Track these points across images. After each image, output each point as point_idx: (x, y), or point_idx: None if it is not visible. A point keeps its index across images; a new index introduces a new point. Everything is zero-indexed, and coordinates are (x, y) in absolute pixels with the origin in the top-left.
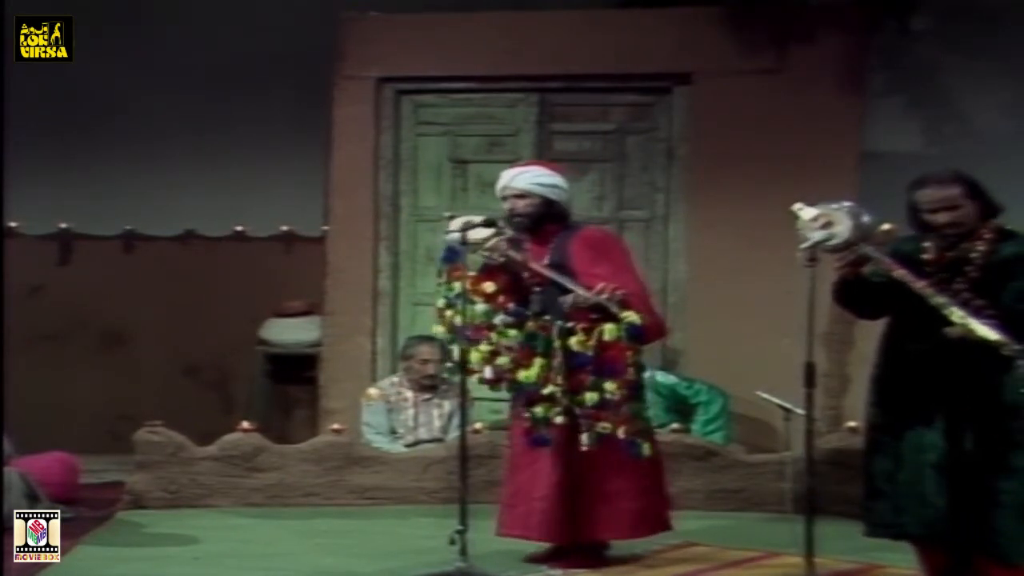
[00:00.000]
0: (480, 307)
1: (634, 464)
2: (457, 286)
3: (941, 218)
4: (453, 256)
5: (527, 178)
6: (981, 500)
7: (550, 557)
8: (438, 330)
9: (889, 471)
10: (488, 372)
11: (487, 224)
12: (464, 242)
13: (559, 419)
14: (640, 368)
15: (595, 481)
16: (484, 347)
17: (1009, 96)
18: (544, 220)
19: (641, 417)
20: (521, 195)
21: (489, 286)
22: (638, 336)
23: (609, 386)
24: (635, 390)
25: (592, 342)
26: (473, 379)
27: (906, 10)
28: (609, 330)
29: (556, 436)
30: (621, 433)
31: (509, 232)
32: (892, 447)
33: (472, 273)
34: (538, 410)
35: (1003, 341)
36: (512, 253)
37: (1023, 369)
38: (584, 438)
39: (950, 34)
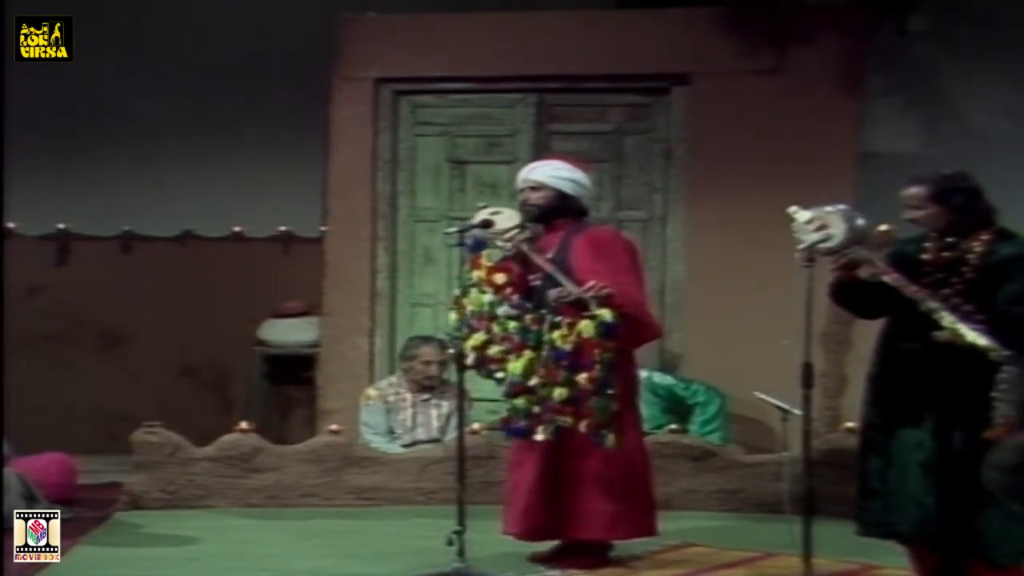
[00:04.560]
0: (487, 297)
1: (616, 465)
2: (475, 275)
3: (905, 215)
4: (477, 246)
5: (545, 171)
6: (968, 500)
7: (550, 558)
8: (452, 317)
9: (881, 470)
10: (471, 358)
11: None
12: (484, 233)
13: (536, 409)
14: (610, 367)
15: (576, 479)
16: (479, 336)
17: (1007, 97)
18: (557, 213)
19: (606, 412)
20: (536, 187)
21: (500, 277)
22: (611, 334)
23: (580, 380)
24: (602, 387)
25: (572, 337)
26: (470, 376)
27: (904, 11)
28: (585, 327)
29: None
30: (583, 427)
31: (531, 228)
32: (885, 446)
33: (489, 264)
34: (519, 402)
35: (990, 346)
36: (524, 246)
37: (1008, 374)
38: (540, 430)
39: (948, 35)
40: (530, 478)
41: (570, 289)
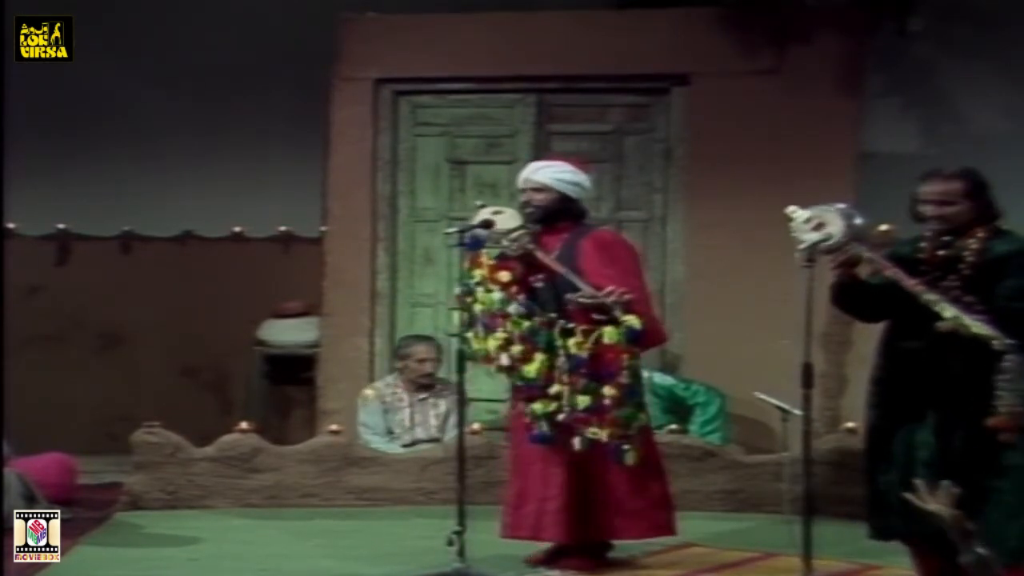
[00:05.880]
0: (496, 295)
1: (633, 465)
2: (477, 274)
3: (929, 210)
4: (476, 244)
5: (548, 172)
6: (970, 499)
7: (549, 558)
8: (456, 317)
9: (887, 473)
10: (505, 359)
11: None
12: (485, 232)
13: (560, 416)
14: (637, 373)
15: (599, 481)
16: (500, 334)
17: (1007, 97)
18: (559, 216)
19: (632, 423)
20: (539, 188)
21: (505, 275)
22: (636, 340)
23: (606, 390)
24: (629, 395)
25: (589, 344)
26: (476, 373)
27: (903, 11)
28: (609, 333)
29: (561, 435)
30: (605, 437)
31: (533, 227)
32: (889, 448)
33: (491, 262)
34: (537, 407)
35: (993, 335)
36: (531, 246)
37: (1013, 363)
38: (576, 442)
39: (947, 35)
40: (544, 483)
41: (592, 293)
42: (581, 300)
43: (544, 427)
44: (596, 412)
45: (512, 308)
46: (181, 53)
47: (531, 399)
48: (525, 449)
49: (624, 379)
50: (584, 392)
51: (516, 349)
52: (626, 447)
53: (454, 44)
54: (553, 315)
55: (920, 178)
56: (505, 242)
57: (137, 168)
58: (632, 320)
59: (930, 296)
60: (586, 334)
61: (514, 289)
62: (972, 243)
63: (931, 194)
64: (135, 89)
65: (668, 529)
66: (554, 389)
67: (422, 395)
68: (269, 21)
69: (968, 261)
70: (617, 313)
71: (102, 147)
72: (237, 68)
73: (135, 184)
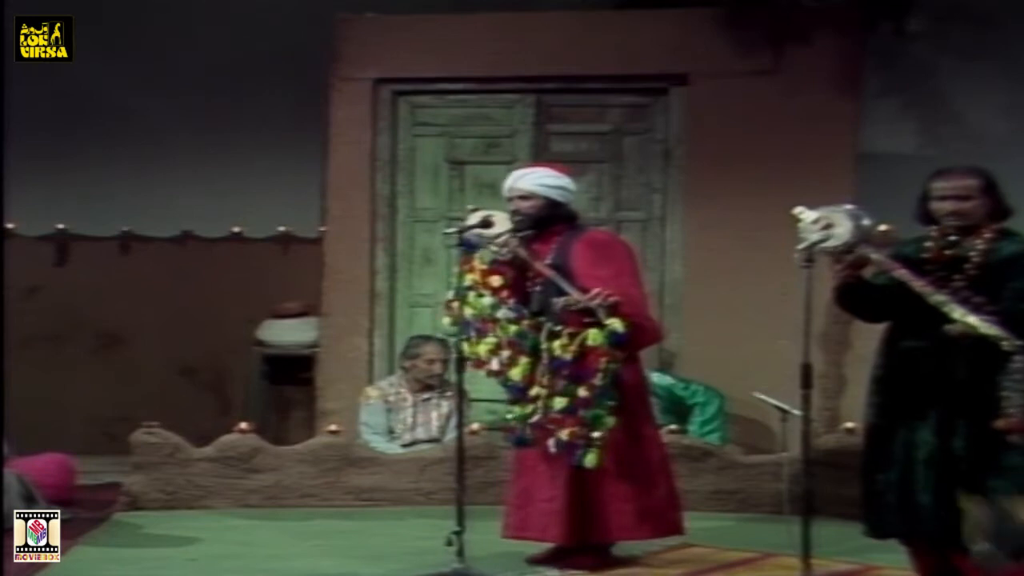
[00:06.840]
0: (487, 300)
1: (639, 465)
2: (468, 278)
3: (947, 206)
4: (469, 248)
5: (532, 179)
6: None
7: (550, 558)
8: (445, 321)
9: (885, 470)
10: (495, 364)
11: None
12: (478, 236)
13: (535, 418)
14: (614, 377)
15: (600, 482)
16: (491, 339)
17: (1005, 97)
18: (549, 221)
19: (598, 425)
20: (525, 196)
21: (496, 280)
22: (620, 344)
23: (580, 391)
24: (599, 397)
25: (573, 347)
26: (477, 374)
27: (902, 11)
28: (593, 336)
29: (540, 438)
30: (565, 436)
31: (523, 232)
32: (888, 446)
33: (483, 266)
34: (516, 410)
35: (1003, 336)
36: (520, 251)
37: (1019, 364)
38: (551, 443)
39: (946, 35)
40: (549, 483)
41: (577, 297)
42: (568, 304)
43: (526, 432)
44: (570, 414)
45: (501, 313)
46: (180, 53)
47: (513, 402)
48: (529, 451)
49: (597, 381)
50: (562, 394)
51: (504, 354)
52: (585, 449)
53: (453, 44)
54: (542, 318)
55: (932, 176)
56: (494, 247)
57: (137, 168)
58: (615, 323)
59: (939, 297)
60: (571, 337)
61: (505, 294)
62: (979, 243)
63: (949, 189)
64: (134, 89)
65: (676, 529)
66: (533, 392)
67: (425, 395)
68: (269, 21)
69: (975, 261)
70: (601, 316)
71: (102, 147)
72: (236, 68)
73: (135, 184)
